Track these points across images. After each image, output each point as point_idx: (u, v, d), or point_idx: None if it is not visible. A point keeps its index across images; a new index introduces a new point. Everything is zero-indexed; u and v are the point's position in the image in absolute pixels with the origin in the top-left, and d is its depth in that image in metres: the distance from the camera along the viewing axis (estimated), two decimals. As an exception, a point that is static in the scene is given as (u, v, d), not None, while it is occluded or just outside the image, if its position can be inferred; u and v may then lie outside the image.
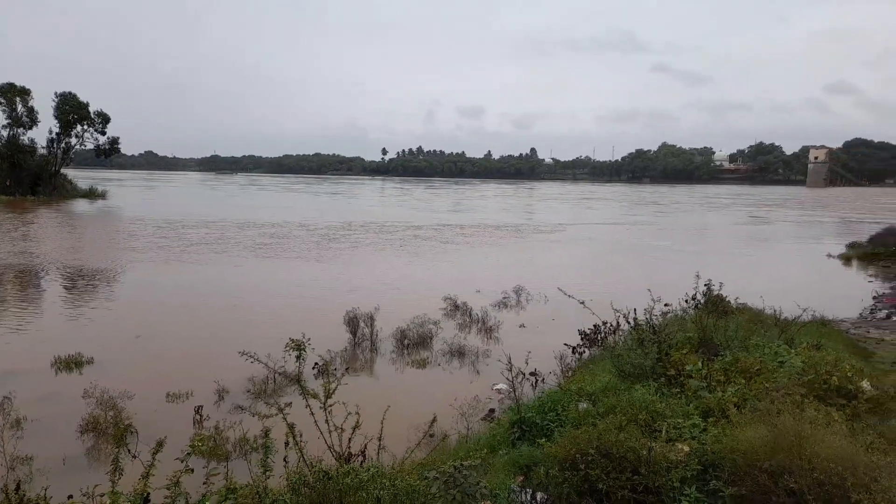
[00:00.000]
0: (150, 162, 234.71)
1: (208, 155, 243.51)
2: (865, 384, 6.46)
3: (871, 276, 21.90)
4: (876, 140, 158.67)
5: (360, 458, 5.49)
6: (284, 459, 4.67)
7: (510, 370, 6.65)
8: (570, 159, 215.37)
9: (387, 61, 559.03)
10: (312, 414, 4.97)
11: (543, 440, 5.65)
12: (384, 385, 10.33)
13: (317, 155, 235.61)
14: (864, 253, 26.07)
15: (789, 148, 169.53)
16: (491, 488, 4.66)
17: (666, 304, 10.64)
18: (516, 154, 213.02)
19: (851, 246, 28.71)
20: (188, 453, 4.18)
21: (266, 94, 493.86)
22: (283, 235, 32.05)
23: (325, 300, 16.28)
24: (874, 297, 17.21)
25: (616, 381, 7.24)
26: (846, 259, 26.14)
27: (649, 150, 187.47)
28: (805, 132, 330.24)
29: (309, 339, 5.25)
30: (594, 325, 10.78)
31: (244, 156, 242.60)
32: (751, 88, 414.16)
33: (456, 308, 15.02)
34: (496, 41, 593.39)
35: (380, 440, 5.46)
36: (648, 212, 60.63)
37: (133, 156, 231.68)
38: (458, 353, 11.66)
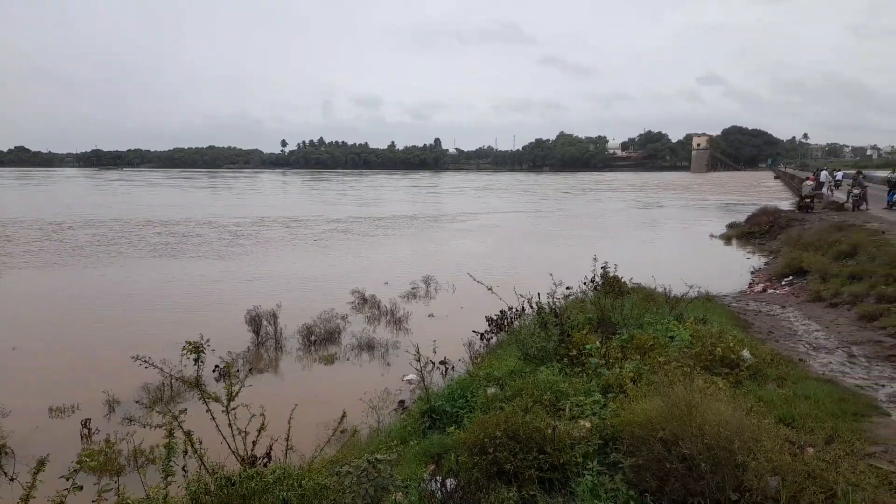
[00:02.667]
0: (22, 158, 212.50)
1: (89, 149, 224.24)
2: (746, 353, 7.01)
3: (748, 253, 23.78)
4: (750, 127, 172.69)
5: (266, 461, 5.31)
6: (183, 469, 4.43)
7: (419, 360, 6.64)
8: (474, 149, 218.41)
9: (276, 52, 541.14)
10: (214, 419, 4.74)
11: (453, 427, 5.71)
12: (291, 384, 10.04)
13: (211, 148, 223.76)
14: (742, 232, 28.18)
15: (674, 136, 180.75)
16: (403, 479, 4.64)
17: (567, 288, 11.02)
18: (420, 144, 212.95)
19: (731, 226, 31.01)
20: (75, 470, 3.84)
21: (150, 85, 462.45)
22: (184, 234, 30.26)
23: (228, 300, 15.58)
24: (752, 273, 18.71)
25: (522, 364, 7.41)
26: (727, 238, 28.23)
27: (548, 140, 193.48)
28: (686, 121, 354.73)
29: (208, 341, 5.00)
30: (501, 311, 10.98)
31: (130, 150, 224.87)
32: (633, 80, 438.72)
33: (364, 301, 14.85)
34: (385, 34, 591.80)
35: (287, 440, 5.29)
36: (550, 199, 62.73)
37: (1, 151, 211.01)
38: (368, 346, 11.54)
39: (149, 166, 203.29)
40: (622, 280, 11.21)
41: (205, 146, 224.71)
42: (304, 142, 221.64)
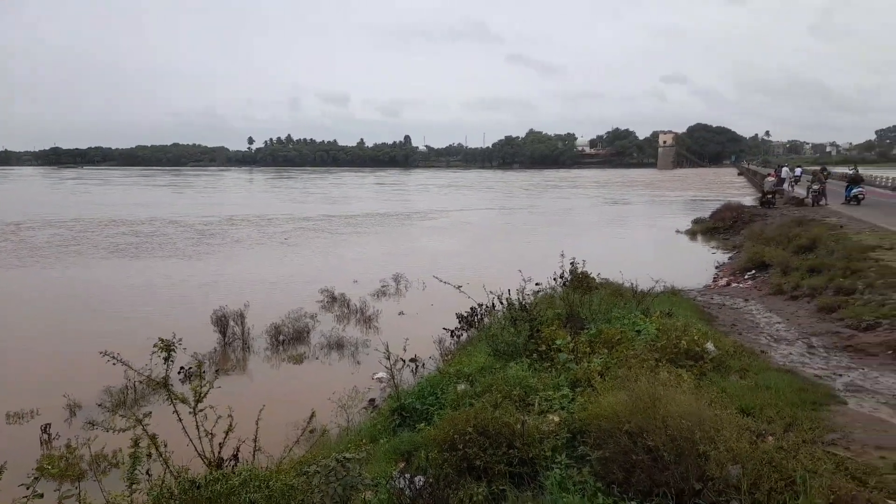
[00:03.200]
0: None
1: (48, 147, 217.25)
2: (710, 346, 7.15)
3: (713, 247, 24.29)
4: (714, 125, 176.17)
5: (233, 463, 5.23)
6: (147, 472, 4.34)
7: (388, 359, 6.62)
8: (444, 146, 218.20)
9: (242, 49, 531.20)
10: (181, 420, 4.66)
11: (423, 425, 5.70)
12: (259, 384, 9.92)
13: (175, 145, 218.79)
14: (707, 227, 28.79)
15: (641, 133, 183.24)
16: (373, 477, 4.62)
17: (537, 284, 11.11)
18: (390, 142, 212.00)
19: (696, 221, 31.63)
20: (35, 477, 3.73)
21: (111, 82, 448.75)
22: (149, 234, 29.56)
23: (194, 300, 15.31)
24: (716, 267, 19.13)
25: (492, 360, 7.45)
26: (692, 234, 28.79)
27: (517, 137, 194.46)
28: (652, 118, 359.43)
29: (180, 339, 4.92)
30: (471, 308, 11.01)
31: (91, 147, 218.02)
32: (600, 79, 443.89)
33: (334, 300, 14.74)
34: (352, 32, 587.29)
35: (255, 441, 5.21)
36: (520, 196, 63.11)
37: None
38: (337, 345, 11.46)
39: (110, 164, 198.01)
40: (590, 276, 11.36)
41: (168, 143, 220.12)
42: (271, 139, 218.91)
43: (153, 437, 4.48)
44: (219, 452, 4.93)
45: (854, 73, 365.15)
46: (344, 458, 3.84)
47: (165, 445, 4.51)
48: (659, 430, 3.99)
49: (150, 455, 4.40)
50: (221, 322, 11.57)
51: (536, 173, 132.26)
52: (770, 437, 4.62)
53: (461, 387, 6.49)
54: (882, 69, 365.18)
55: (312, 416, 5.63)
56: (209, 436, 4.77)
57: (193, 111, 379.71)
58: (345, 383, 8.99)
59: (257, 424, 5.13)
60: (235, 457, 5.32)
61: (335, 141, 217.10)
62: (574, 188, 77.21)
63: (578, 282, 10.80)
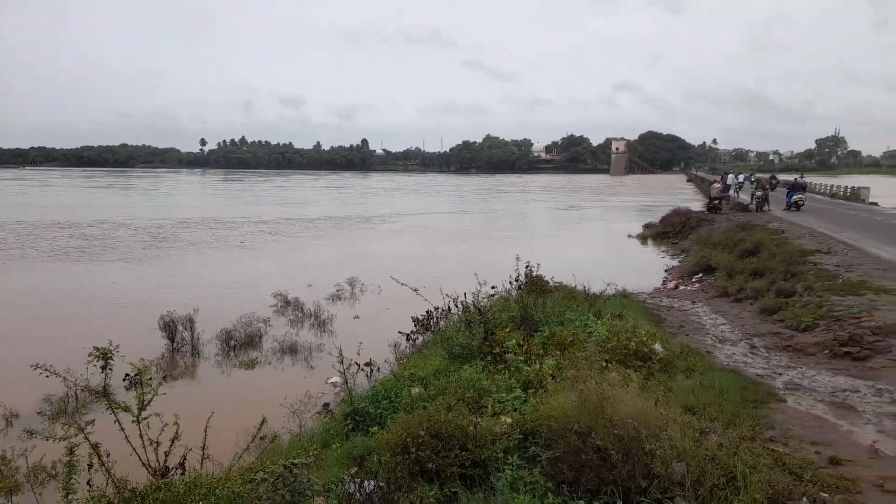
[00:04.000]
0: None
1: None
2: (658, 346, 7.35)
3: (662, 251, 24.95)
4: (665, 133, 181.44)
5: (180, 472, 5.10)
6: (88, 483, 4.19)
7: (342, 363, 6.56)
8: (402, 150, 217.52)
9: (193, 49, 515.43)
10: (123, 429, 4.52)
11: (376, 428, 5.68)
12: (209, 391, 9.68)
13: (123, 146, 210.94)
14: (657, 232, 29.53)
15: (595, 139, 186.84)
16: (324, 483, 4.57)
17: (493, 287, 11.22)
18: (347, 145, 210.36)
19: (647, 226, 32.43)
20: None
21: (50, 79, 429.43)
22: (99, 237, 28.36)
23: (144, 305, 14.81)
24: (665, 271, 19.67)
25: (447, 363, 7.47)
26: (643, 238, 29.51)
27: (475, 142, 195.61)
28: (606, 125, 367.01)
29: (117, 347, 4.78)
30: (427, 312, 11.02)
31: (32, 147, 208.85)
32: (552, 85, 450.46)
33: (287, 304, 14.52)
34: (307, 35, 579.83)
35: (203, 449, 5.10)
36: (477, 200, 63.51)
37: None
38: (290, 349, 11.29)
39: (54, 165, 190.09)
40: (545, 279, 11.53)
41: (117, 144, 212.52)
42: (224, 141, 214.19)
43: (95, 447, 4.34)
44: (164, 461, 4.81)
45: (791, 85, 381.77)
46: (292, 463, 3.79)
47: (108, 455, 4.38)
48: (607, 429, 4.07)
49: (91, 465, 4.26)
50: (169, 327, 11.24)
51: (493, 178, 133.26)
52: (713, 435, 4.77)
53: (415, 390, 6.49)
54: (816, 82, 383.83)
55: (263, 422, 5.54)
56: (154, 444, 4.65)
57: (143, 111, 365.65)
58: (298, 388, 8.85)
59: (206, 432, 5.02)
60: (182, 465, 5.19)
61: (291, 143, 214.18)
62: (535, 193, 78.16)
63: (533, 285, 10.95)
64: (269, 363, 10.86)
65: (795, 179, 31.86)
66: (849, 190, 40.31)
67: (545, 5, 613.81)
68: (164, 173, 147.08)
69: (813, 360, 8.23)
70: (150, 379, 5.18)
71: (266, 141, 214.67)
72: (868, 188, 39.55)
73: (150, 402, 4.66)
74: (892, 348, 7.91)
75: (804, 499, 3.98)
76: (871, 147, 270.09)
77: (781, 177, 47.73)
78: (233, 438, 6.21)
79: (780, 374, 7.59)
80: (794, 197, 29.08)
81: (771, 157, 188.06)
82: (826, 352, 8.39)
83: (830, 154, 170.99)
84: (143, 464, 4.67)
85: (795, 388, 6.91)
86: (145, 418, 4.57)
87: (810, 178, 49.68)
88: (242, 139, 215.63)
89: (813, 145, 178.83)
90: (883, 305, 9.88)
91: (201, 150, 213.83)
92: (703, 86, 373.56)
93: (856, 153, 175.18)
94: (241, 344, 11.47)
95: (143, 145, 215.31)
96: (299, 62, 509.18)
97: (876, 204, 35.03)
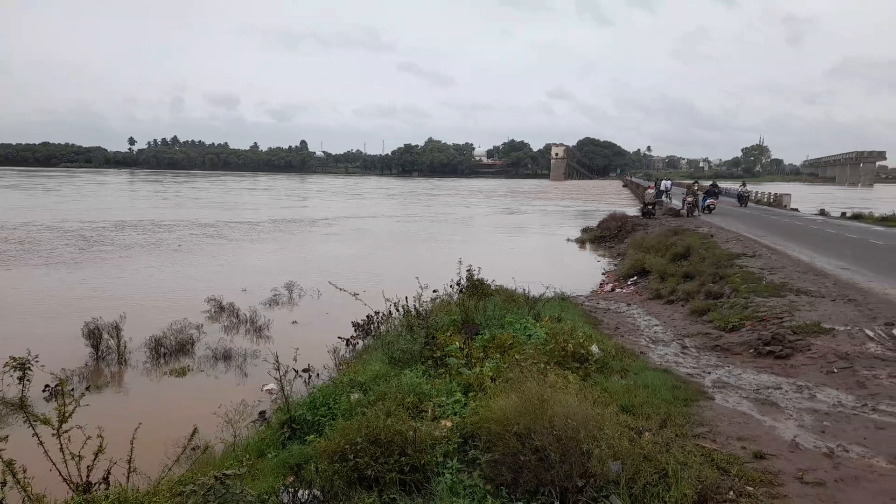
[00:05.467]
0: None
1: None
2: (594, 348, 7.51)
3: (600, 255, 25.60)
4: (602, 139, 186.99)
5: (104, 486, 4.84)
6: (2, 502, 3.93)
7: (278, 369, 6.39)
8: (342, 153, 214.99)
9: (118, 45, 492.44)
10: (42, 443, 4.28)
11: (314, 436, 5.55)
12: (136, 401, 9.24)
13: (45, 144, 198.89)
14: (595, 236, 30.31)
15: (535, 145, 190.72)
16: (258, 494, 4.42)
17: (434, 291, 11.22)
18: (285, 146, 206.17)
19: (585, 230, 33.21)
20: None
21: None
22: (22, 240, 26.57)
23: (68, 311, 13.96)
24: (602, 274, 20.18)
25: (387, 368, 7.39)
26: (581, 242, 30.20)
27: (417, 146, 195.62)
28: (544, 131, 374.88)
29: (37, 357, 4.54)
30: (368, 316, 10.91)
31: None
32: (490, 91, 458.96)
33: (222, 309, 14.04)
34: (238, 33, 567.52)
35: (129, 462, 4.86)
36: (418, 204, 63.48)
37: None
38: (224, 356, 10.90)
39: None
40: (486, 282, 11.62)
41: (37, 142, 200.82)
42: (155, 140, 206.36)
43: (9, 463, 4.09)
44: (87, 476, 4.59)
45: (716, 96, 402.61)
46: (224, 475, 3.64)
47: (25, 471, 4.13)
48: (546, 430, 4.11)
49: (4, 483, 4.01)
50: (94, 335, 10.66)
51: (434, 182, 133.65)
52: (647, 433, 4.90)
53: (354, 396, 6.39)
54: (738, 93, 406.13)
55: (194, 432, 5.32)
56: (77, 458, 4.43)
57: (66, 108, 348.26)
58: (232, 396, 8.56)
59: (132, 444, 4.80)
60: (106, 480, 4.95)
61: (226, 144, 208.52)
62: (466, 196, 78.81)
63: (474, 288, 11.01)
64: (202, 371, 10.46)
65: (712, 184, 34.77)
66: (772, 196, 42.76)
67: (479, 13, 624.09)
68: (92, 173, 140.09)
69: (739, 358, 8.59)
70: (73, 389, 4.91)
71: (200, 141, 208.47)
72: (790, 195, 42.08)
73: (71, 413, 4.46)
74: (812, 346, 8.36)
75: (731, 493, 4.13)
76: (792, 156, 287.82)
77: (705, 183, 50.33)
78: (162, 450, 5.92)
79: (709, 372, 7.89)
80: (707, 201, 32.17)
81: (701, 164, 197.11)
82: (751, 351, 8.78)
83: (755, 162, 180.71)
84: (64, 479, 4.46)
85: (723, 386, 7.19)
86: (66, 431, 4.38)
87: (725, 185, 52.66)
88: (174, 139, 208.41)
89: (739, 153, 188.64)
90: (802, 306, 10.45)
91: (130, 149, 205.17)
92: (634, 95, 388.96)
93: (778, 161, 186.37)
94: (171, 351, 11.00)
95: (67, 143, 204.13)
96: (232, 61, 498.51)
97: (797, 210, 37.35)
